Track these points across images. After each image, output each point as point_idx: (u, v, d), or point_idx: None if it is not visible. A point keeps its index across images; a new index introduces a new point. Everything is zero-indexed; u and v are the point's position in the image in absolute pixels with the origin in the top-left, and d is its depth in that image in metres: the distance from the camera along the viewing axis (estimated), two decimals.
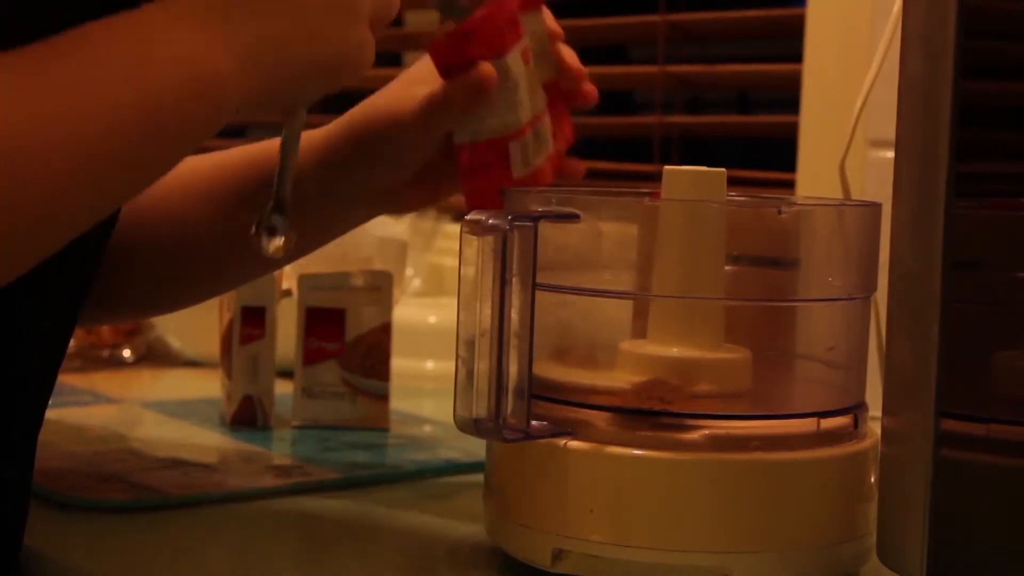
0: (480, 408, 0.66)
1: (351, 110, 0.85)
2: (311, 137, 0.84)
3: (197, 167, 0.88)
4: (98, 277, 0.78)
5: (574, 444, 0.67)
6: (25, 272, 0.59)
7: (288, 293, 1.08)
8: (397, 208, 0.89)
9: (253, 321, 1.02)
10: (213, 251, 0.89)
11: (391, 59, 1.87)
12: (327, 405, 1.02)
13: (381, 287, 1.03)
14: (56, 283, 0.71)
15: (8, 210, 0.56)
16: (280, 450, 0.95)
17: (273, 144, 0.83)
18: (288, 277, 1.11)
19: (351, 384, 1.02)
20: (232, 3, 0.65)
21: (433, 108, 0.80)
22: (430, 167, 0.83)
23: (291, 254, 0.79)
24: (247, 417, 1.01)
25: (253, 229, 0.73)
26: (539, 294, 0.67)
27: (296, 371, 1.03)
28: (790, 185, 1.22)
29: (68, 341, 0.77)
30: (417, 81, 0.82)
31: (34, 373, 0.72)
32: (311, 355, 1.02)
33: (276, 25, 0.67)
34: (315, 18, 0.68)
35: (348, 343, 1.02)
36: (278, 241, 0.73)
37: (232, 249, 0.87)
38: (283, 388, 1.04)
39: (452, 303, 0.68)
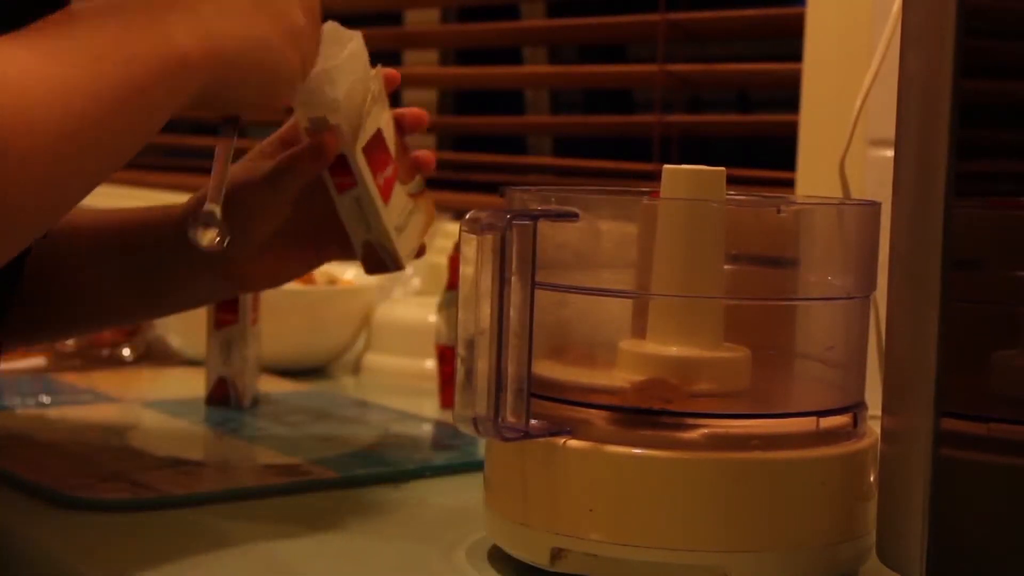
0: (479, 407, 0.66)
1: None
2: (168, 209, 0.91)
3: (101, 220, 0.94)
4: (14, 305, 0.83)
5: (573, 443, 0.67)
6: (27, 241, 0.65)
7: None
8: (240, 285, 0.94)
9: (226, 306, 1.08)
10: (112, 300, 0.95)
11: (391, 58, 1.87)
12: (411, 229, 0.94)
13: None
14: None
15: (18, 177, 0.60)
16: (280, 449, 0.95)
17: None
18: None
19: (412, 194, 0.94)
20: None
21: (281, 171, 0.86)
22: (275, 247, 0.89)
23: (138, 317, 0.95)
24: (221, 398, 1.07)
25: (189, 222, 0.75)
26: (538, 293, 0.67)
27: (382, 217, 0.90)
28: (790, 184, 1.22)
29: None
30: (262, 156, 0.89)
31: None
32: (386, 190, 0.91)
33: (235, 27, 0.73)
34: (266, 33, 0.75)
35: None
36: (212, 233, 0.74)
37: (131, 296, 0.94)
38: (280, 387, 1.04)
39: None
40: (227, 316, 1.08)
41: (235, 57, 0.73)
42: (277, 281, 0.94)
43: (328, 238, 0.92)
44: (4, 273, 0.75)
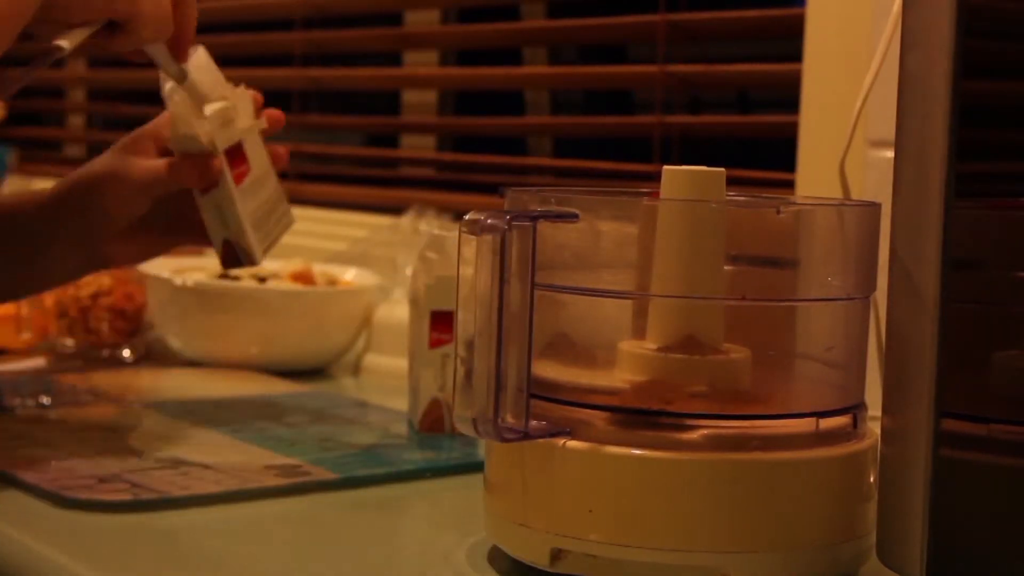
0: (479, 407, 0.66)
1: (73, 174, 1.02)
2: (37, 194, 1.03)
3: None
4: None
5: (573, 444, 0.67)
6: None
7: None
8: (105, 262, 1.06)
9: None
10: None
11: (391, 59, 1.87)
12: (269, 228, 1.07)
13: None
14: None
15: None
16: (280, 450, 0.95)
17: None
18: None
19: (268, 196, 1.07)
20: None
21: (152, 180, 0.98)
22: (135, 232, 1.02)
23: (18, 295, 1.11)
24: (232, 259, 1.05)
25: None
26: (538, 293, 0.67)
27: (241, 217, 1.02)
28: (790, 185, 1.22)
29: None
30: (129, 150, 1.01)
31: None
32: (244, 191, 1.04)
33: None
34: None
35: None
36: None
37: (9, 276, 1.05)
38: (280, 387, 1.03)
39: None
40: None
41: None
42: (138, 260, 1.10)
43: (183, 227, 1.04)
44: None
